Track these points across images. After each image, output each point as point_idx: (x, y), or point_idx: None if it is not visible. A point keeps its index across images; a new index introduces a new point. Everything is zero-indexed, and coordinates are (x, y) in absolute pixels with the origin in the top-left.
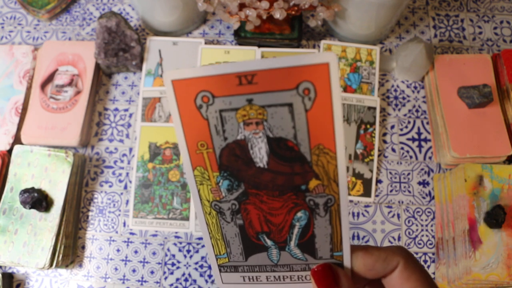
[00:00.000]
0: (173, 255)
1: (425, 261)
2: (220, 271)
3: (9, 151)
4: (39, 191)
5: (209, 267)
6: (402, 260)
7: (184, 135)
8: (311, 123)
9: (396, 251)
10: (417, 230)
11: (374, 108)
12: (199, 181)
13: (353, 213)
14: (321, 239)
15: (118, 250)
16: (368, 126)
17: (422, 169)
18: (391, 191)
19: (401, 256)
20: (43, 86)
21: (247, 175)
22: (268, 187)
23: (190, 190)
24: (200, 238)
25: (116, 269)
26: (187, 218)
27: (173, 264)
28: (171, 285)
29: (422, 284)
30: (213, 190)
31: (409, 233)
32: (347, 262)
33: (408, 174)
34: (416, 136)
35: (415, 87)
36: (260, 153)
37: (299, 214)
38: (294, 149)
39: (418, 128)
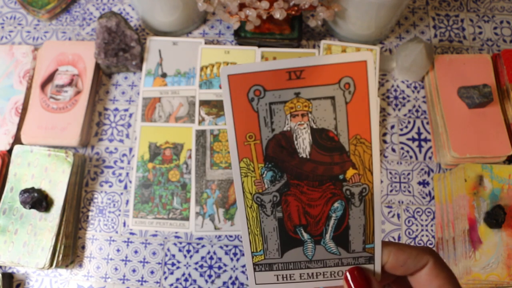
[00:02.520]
0: (173, 255)
1: None
2: (254, 270)
3: (9, 151)
4: (39, 191)
5: (210, 267)
6: (432, 259)
7: (235, 127)
8: (350, 115)
9: (426, 250)
10: (417, 230)
11: None
12: (244, 173)
13: None
14: (355, 231)
15: (118, 250)
16: None
17: (422, 169)
18: (391, 191)
19: (431, 255)
20: (43, 86)
21: (290, 165)
22: (309, 177)
23: (234, 182)
24: (200, 238)
25: (116, 269)
26: (187, 218)
27: (173, 264)
28: (171, 285)
29: (450, 282)
30: (256, 182)
31: (409, 233)
32: (378, 255)
33: (408, 174)
34: (416, 136)
35: (415, 87)
36: (303, 144)
37: (336, 204)
38: (334, 139)
39: (418, 128)
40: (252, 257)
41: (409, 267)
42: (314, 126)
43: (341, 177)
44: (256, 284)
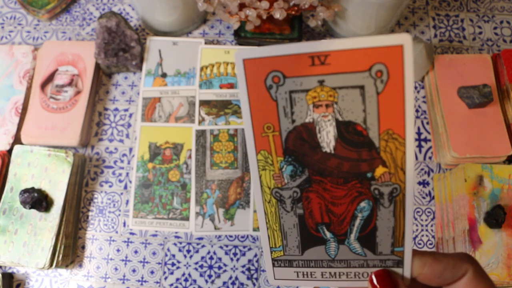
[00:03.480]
0: (173, 255)
1: None
2: (273, 265)
3: (9, 151)
4: (39, 191)
5: (210, 267)
6: (472, 268)
7: (251, 117)
8: (382, 107)
9: (464, 258)
10: (417, 230)
11: None
12: (261, 166)
13: None
14: (383, 233)
15: (118, 250)
16: None
17: (422, 169)
18: None
19: (470, 263)
20: (43, 86)
21: (313, 160)
22: (333, 173)
23: (251, 175)
24: (200, 238)
25: (116, 269)
26: (187, 218)
27: (173, 264)
28: (171, 285)
29: None
30: (275, 176)
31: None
32: (407, 260)
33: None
34: (416, 136)
35: (415, 87)
36: (327, 137)
37: (363, 204)
38: (363, 133)
39: (418, 128)
40: (271, 252)
41: (447, 278)
42: (340, 119)
43: (369, 175)
44: (275, 279)
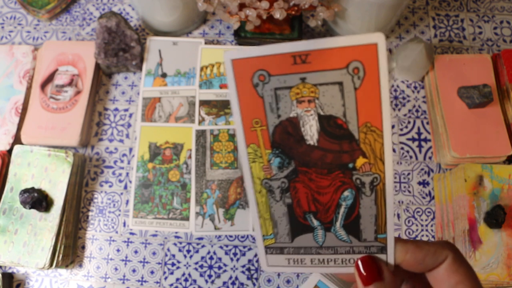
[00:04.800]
0: (173, 255)
1: None
2: (266, 252)
3: (9, 151)
4: (39, 191)
5: (210, 267)
6: (451, 254)
7: (240, 112)
8: (359, 101)
9: (445, 246)
10: (417, 230)
11: None
12: (251, 158)
13: None
14: (366, 220)
15: (118, 250)
16: None
17: (422, 169)
18: None
19: (450, 250)
20: (43, 86)
21: (298, 152)
22: (317, 165)
23: (243, 167)
24: (200, 238)
25: (116, 269)
26: (187, 218)
27: (173, 264)
28: (171, 285)
29: (469, 277)
30: (264, 167)
31: (409, 233)
32: (390, 246)
33: (408, 174)
34: (416, 136)
35: (415, 87)
36: (311, 131)
37: (346, 193)
38: (343, 126)
39: (418, 128)
40: (263, 240)
41: (428, 264)
42: (322, 113)
43: (350, 165)
44: (268, 266)
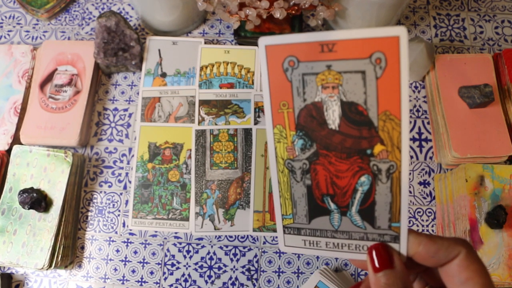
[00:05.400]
0: (173, 256)
1: None
2: (284, 232)
3: (8, 151)
4: (38, 191)
5: (210, 268)
6: (465, 250)
7: (270, 94)
8: (380, 90)
9: (459, 241)
10: (417, 230)
11: None
12: (277, 139)
13: None
14: (381, 207)
15: (117, 251)
16: None
17: (423, 169)
18: None
19: (464, 246)
20: (42, 85)
21: (320, 135)
22: (337, 148)
23: (268, 147)
24: (200, 239)
25: (115, 269)
26: (186, 219)
27: (172, 265)
28: (171, 285)
29: (480, 274)
30: (288, 148)
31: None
32: (403, 236)
33: (409, 174)
34: (417, 136)
35: (416, 87)
36: (333, 116)
37: (363, 178)
38: (363, 113)
39: (419, 128)
40: (282, 219)
41: (440, 258)
42: (344, 99)
43: (368, 151)
44: (285, 245)
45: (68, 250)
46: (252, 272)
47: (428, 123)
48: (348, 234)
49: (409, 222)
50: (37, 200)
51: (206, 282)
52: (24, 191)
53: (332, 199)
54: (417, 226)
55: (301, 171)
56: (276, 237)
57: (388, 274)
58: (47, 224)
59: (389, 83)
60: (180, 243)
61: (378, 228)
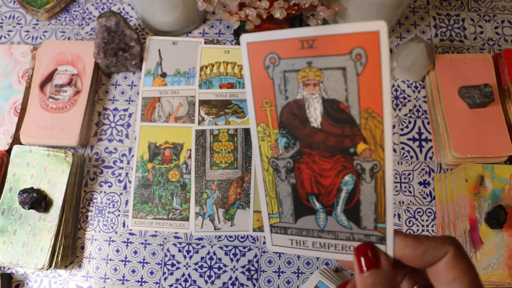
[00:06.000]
0: (173, 256)
1: None
2: (271, 231)
3: (8, 151)
4: (38, 191)
5: (210, 268)
6: (452, 249)
7: (253, 92)
8: (361, 87)
9: (447, 241)
10: (417, 230)
11: None
12: (261, 137)
13: None
14: (366, 207)
15: (117, 251)
16: None
17: (423, 169)
18: None
19: (452, 245)
20: (42, 85)
21: (303, 133)
22: (320, 147)
23: (252, 145)
24: (200, 239)
25: (115, 269)
26: (186, 219)
27: (172, 265)
28: (171, 285)
29: (467, 273)
30: (272, 146)
31: (409, 233)
32: (390, 236)
33: (409, 174)
34: (416, 136)
35: (416, 87)
36: (315, 113)
37: (347, 178)
38: (345, 111)
39: (419, 128)
40: (269, 218)
41: (428, 259)
42: (326, 97)
43: (351, 150)
44: (272, 245)
45: (68, 250)
46: (252, 272)
47: (428, 123)
48: (335, 234)
49: (409, 222)
50: (37, 200)
51: (206, 282)
52: (24, 191)
53: (317, 199)
54: (417, 226)
55: (286, 170)
56: None
57: (374, 274)
58: (47, 224)
59: (370, 79)
60: (180, 243)
61: (364, 229)
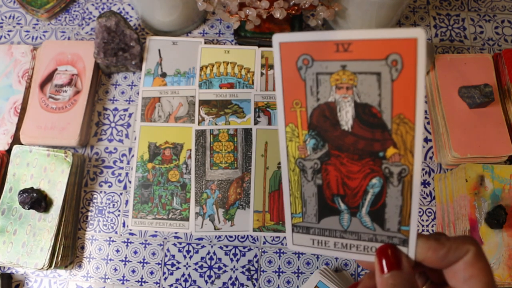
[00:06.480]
0: (173, 256)
1: None
2: (293, 230)
3: (8, 151)
4: (38, 191)
5: (210, 268)
6: (473, 248)
7: (283, 92)
8: (395, 93)
9: (467, 240)
10: (418, 230)
11: None
12: (289, 137)
13: None
14: (391, 210)
15: (117, 251)
16: None
17: (423, 169)
18: None
19: (472, 244)
20: (42, 85)
21: (332, 136)
22: (349, 150)
23: (279, 145)
24: (200, 239)
25: (115, 269)
26: (186, 219)
27: (172, 265)
28: (171, 285)
29: (485, 272)
30: (300, 147)
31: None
32: (412, 239)
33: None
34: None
35: None
36: (346, 116)
37: (374, 180)
38: (377, 115)
39: None
40: (292, 218)
41: (450, 260)
42: (358, 101)
43: (381, 154)
44: (293, 244)
45: (68, 250)
46: (252, 272)
47: (428, 123)
48: (357, 235)
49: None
50: (37, 200)
51: (206, 282)
52: (24, 191)
53: (342, 200)
54: (417, 226)
55: (312, 171)
56: (277, 237)
57: (395, 275)
58: (47, 224)
59: (404, 86)
60: (180, 243)
61: (388, 231)
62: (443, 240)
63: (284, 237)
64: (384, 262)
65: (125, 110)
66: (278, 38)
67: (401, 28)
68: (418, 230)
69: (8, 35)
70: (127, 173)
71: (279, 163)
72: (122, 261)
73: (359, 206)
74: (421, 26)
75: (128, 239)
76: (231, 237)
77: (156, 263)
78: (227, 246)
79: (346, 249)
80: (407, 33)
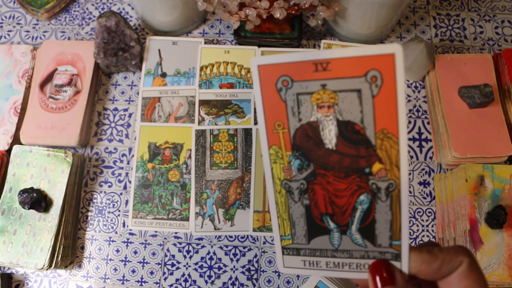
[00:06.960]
0: (173, 256)
1: None
2: (283, 253)
3: (8, 151)
4: (38, 191)
5: (210, 268)
6: (467, 259)
7: (264, 115)
8: (377, 109)
9: (460, 251)
10: (417, 230)
11: None
12: (273, 159)
13: None
14: (381, 225)
15: (117, 251)
16: None
17: (423, 169)
18: None
19: (466, 255)
20: (42, 85)
21: (317, 155)
22: (335, 168)
23: (264, 168)
24: (200, 239)
25: (115, 269)
26: (186, 219)
27: (172, 265)
28: (171, 285)
29: (479, 284)
30: (285, 169)
31: (409, 233)
32: (405, 253)
33: (409, 174)
34: (416, 136)
35: (416, 87)
36: (329, 135)
37: (362, 197)
38: (360, 132)
39: (419, 128)
40: (281, 240)
41: (444, 273)
42: (340, 118)
43: (367, 170)
44: (284, 267)
45: (68, 250)
46: (252, 272)
47: (428, 123)
48: (349, 253)
49: (409, 222)
50: (37, 200)
51: (206, 282)
52: (24, 191)
53: (331, 218)
54: (417, 226)
55: (299, 191)
56: None
57: None
58: (47, 224)
59: (385, 101)
60: (180, 243)
61: (379, 246)
62: (436, 252)
63: None
64: (377, 278)
65: (125, 110)
66: (256, 61)
67: (378, 45)
68: (418, 231)
69: (8, 35)
70: (127, 173)
71: None
72: (122, 261)
73: (348, 223)
74: (397, 42)
75: (128, 239)
76: (231, 237)
77: (156, 263)
78: (227, 246)
79: (338, 268)
80: (385, 49)
